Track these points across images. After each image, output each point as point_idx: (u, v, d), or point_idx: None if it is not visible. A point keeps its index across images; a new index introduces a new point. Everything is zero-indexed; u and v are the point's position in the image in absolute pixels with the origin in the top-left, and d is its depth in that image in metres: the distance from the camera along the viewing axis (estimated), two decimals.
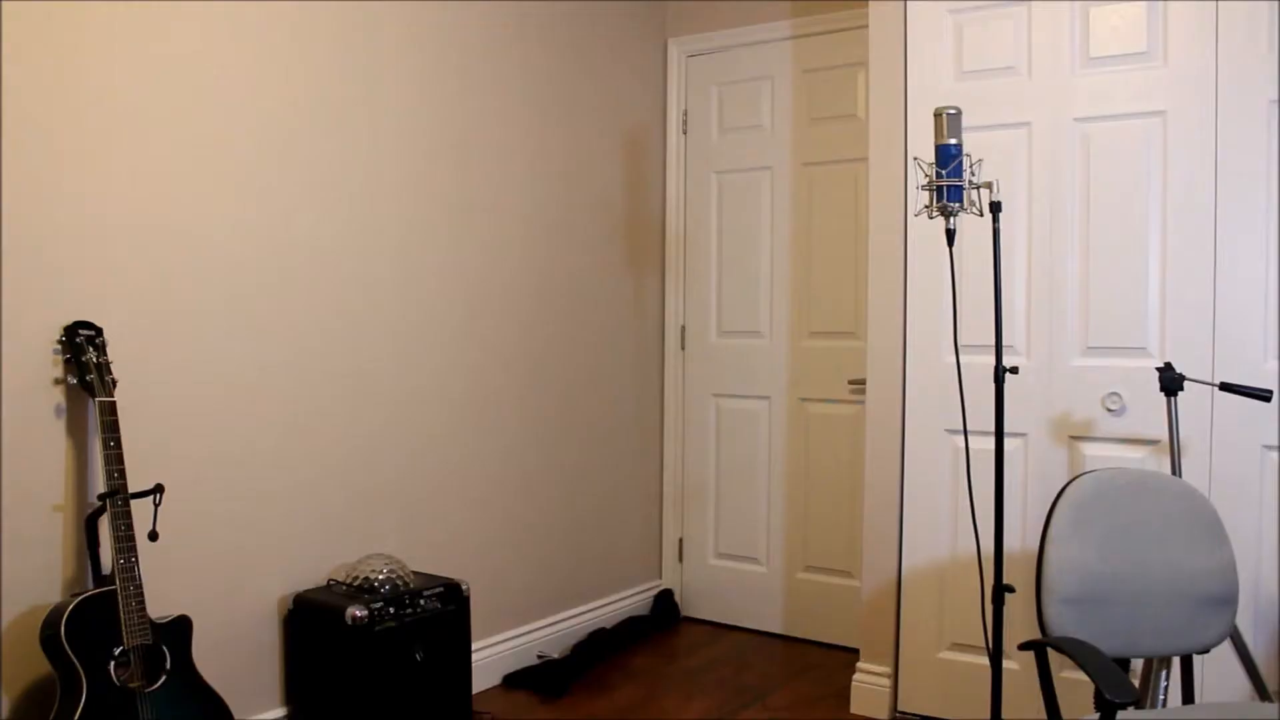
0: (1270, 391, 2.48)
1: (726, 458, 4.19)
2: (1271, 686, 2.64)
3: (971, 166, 2.42)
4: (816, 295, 3.93)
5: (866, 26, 3.65)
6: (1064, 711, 2.88)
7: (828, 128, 3.89)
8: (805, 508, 3.99)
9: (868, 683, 3.25)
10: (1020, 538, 3.00)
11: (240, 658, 2.72)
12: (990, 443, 2.99)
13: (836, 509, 3.91)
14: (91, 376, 2.26)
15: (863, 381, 3.69)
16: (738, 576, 4.16)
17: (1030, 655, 2.91)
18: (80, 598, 2.14)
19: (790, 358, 4.00)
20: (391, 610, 2.73)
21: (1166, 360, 2.78)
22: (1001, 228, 2.92)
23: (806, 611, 3.99)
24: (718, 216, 4.18)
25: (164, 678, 2.23)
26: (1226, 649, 2.59)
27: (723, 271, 4.17)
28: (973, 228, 3.01)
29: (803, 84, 3.94)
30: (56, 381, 2.31)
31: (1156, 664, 2.41)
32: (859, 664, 3.28)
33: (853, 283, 3.84)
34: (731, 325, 4.15)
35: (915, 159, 3.05)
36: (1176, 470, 2.53)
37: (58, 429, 2.32)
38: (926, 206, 2.42)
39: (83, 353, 2.27)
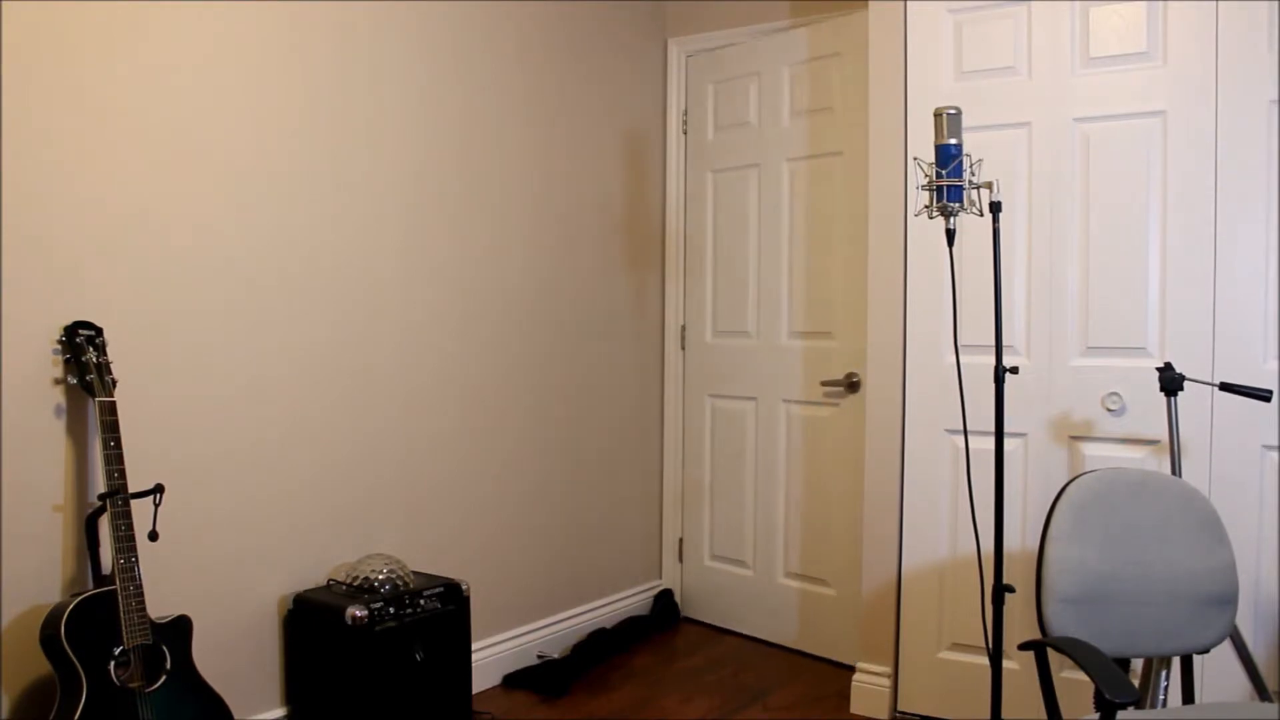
0: (1270, 391, 2.48)
1: (720, 458, 4.18)
2: (1271, 686, 2.64)
3: (971, 166, 2.42)
4: (801, 295, 3.87)
5: (866, 27, 3.65)
6: (1064, 711, 2.88)
7: (814, 120, 3.88)
8: (799, 511, 3.96)
9: (868, 683, 3.25)
10: (1020, 538, 3.00)
11: (240, 658, 2.72)
12: (990, 443, 2.99)
13: (827, 513, 3.83)
14: (91, 376, 2.26)
15: (835, 383, 3.67)
16: (732, 580, 4.15)
17: (1030, 655, 2.90)
18: (80, 598, 2.14)
19: (779, 357, 3.98)
20: (391, 610, 2.73)
21: (1166, 360, 2.78)
22: (1001, 228, 2.92)
23: (795, 620, 3.97)
24: (713, 216, 4.17)
25: (164, 678, 2.23)
26: (1226, 649, 2.59)
27: (717, 271, 4.16)
28: (973, 228, 3.01)
29: (803, 83, 3.93)
30: (56, 381, 2.31)
31: (1156, 664, 2.41)
32: (859, 664, 3.28)
33: (841, 280, 3.76)
34: (724, 325, 4.15)
35: (915, 159, 3.05)
36: (1176, 470, 2.53)
37: (58, 429, 2.32)
38: (926, 206, 2.42)
39: (83, 353, 2.27)
